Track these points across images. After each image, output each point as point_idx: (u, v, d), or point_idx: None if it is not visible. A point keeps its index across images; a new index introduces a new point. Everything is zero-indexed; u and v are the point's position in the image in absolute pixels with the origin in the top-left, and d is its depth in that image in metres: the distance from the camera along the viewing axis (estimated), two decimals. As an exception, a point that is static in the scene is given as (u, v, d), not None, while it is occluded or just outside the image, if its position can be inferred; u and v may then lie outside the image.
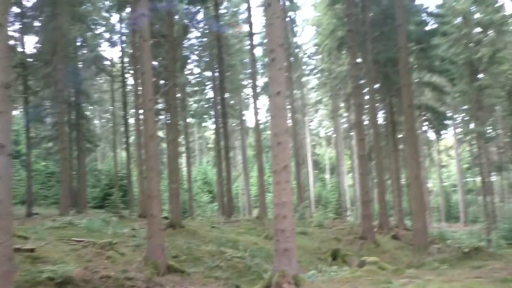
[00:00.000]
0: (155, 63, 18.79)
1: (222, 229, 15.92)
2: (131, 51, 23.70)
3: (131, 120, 29.89)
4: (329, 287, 7.64)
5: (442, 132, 37.86)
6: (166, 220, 15.37)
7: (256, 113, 23.85)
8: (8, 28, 6.04)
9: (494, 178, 37.26)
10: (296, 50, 34.25)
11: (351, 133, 36.96)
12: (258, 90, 25.86)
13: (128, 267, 8.66)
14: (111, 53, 65.96)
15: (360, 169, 17.89)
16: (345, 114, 37.83)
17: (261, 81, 33.65)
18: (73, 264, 7.74)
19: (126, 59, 26.83)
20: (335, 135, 39.72)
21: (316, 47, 34.41)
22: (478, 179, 32.14)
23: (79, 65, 23.79)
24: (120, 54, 27.55)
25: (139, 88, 19.97)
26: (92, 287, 7.22)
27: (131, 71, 25.49)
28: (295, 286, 7.56)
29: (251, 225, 17.71)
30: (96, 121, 48.02)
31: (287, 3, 27.85)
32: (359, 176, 18.71)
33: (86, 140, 25.45)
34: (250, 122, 44.82)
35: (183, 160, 39.63)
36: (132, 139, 30.82)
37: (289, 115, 26.16)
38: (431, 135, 41.97)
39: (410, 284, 7.98)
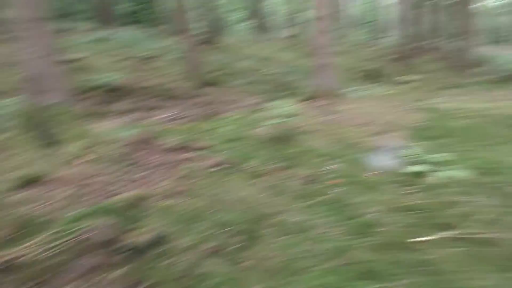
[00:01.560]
0: None
1: (258, 47, 15.69)
2: None
3: None
4: (363, 103, 7.77)
5: None
6: (201, 37, 15.19)
7: None
8: None
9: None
10: None
11: None
12: None
13: (168, 79, 8.95)
14: None
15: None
16: None
17: None
18: (117, 75, 8.05)
19: None
20: None
21: None
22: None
23: None
24: None
25: None
26: (142, 93, 7.64)
27: None
28: (334, 98, 7.73)
29: (289, 43, 17.28)
30: None
31: None
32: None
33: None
34: None
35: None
36: None
37: None
38: None
39: (449, 102, 7.97)
